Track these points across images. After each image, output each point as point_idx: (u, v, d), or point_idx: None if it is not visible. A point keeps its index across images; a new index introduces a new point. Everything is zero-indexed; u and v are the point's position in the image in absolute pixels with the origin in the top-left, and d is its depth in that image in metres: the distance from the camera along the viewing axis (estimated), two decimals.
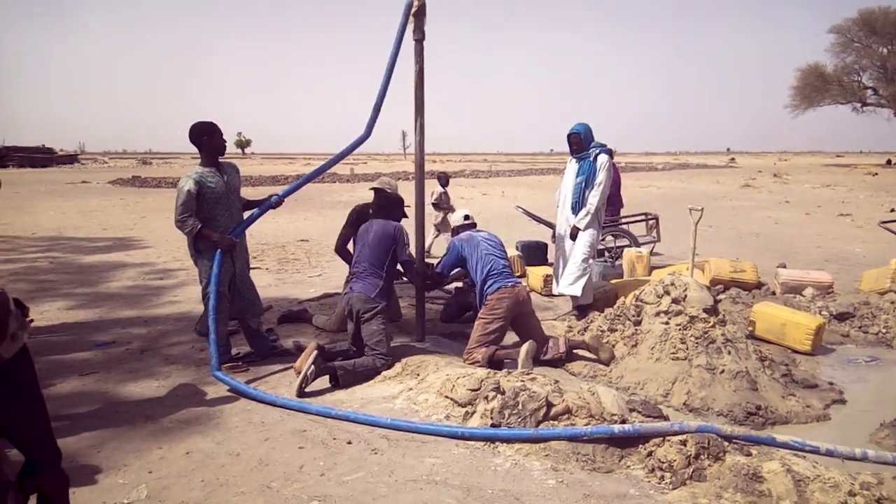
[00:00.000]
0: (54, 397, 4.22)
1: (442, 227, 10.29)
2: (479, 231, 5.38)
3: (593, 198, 5.98)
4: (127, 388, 4.43)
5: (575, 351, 5.07)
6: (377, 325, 4.70)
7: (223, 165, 4.76)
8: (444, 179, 10.91)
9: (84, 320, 6.16)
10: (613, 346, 4.97)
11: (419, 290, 5.51)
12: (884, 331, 5.75)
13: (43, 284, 7.82)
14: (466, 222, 5.49)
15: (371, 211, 5.83)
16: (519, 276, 7.66)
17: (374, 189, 5.86)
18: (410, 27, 5.15)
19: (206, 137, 4.62)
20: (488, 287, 5.01)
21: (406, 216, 5.39)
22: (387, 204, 5.33)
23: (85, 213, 16.62)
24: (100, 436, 3.66)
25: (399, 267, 5.18)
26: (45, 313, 6.35)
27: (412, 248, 5.41)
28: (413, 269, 5.23)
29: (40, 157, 48.51)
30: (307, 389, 4.29)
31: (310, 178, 5.76)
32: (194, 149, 4.70)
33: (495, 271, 5.03)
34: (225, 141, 4.79)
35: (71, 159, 55.37)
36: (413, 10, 5.11)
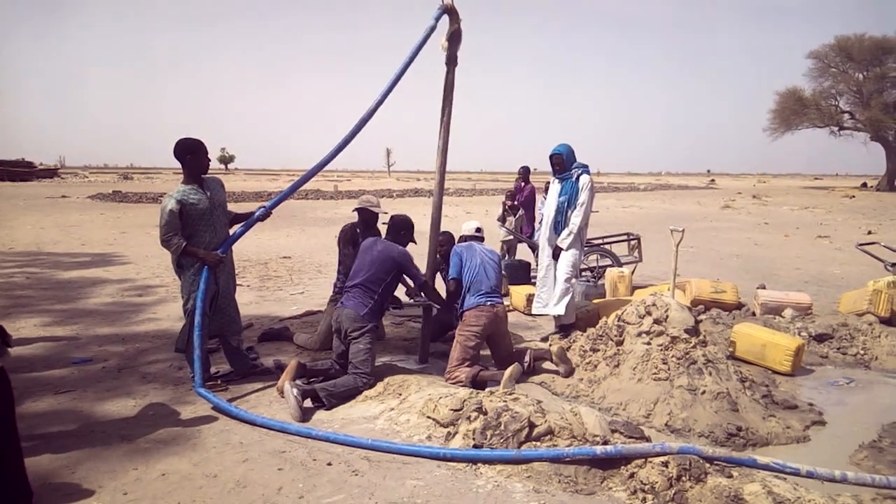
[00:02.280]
0: (29, 415, 4.13)
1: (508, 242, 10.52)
2: (482, 245, 5.48)
3: (576, 217, 6.02)
4: (103, 406, 4.36)
5: (537, 362, 5.21)
6: (364, 345, 4.65)
7: (207, 181, 4.71)
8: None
9: (61, 337, 6.07)
10: (596, 365, 4.98)
11: (426, 311, 5.45)
12: (862, 352, 5.81)
13: (19, 300, 7.69)
14: (477, 234, 5.60)
15: (358, 230, 5.80)
16: (504, 295, 7.67)
17: (357, 209, 5.86)
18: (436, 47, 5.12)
19: (190, 156, 4.57)
20: (467, 300, 5.09)
21: (415, 241, 5.38)
22: (394, 226, 5.28)
23: (64, 227, 16.42)
24: (74, 456, 3.59)
25: (417, 288, 5.19)
26: (21, 329, 6.24)
27: (424, 268, 5.42)
28: (431, 289, 5.20)
29: (19, 171, 47.96)
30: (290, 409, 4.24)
31: (297, 186, 5.49)
32: (177, 164, 4.66)
33: (476, 286, 5.11)
34: (209, 160, 4.75)
35: (51, 173, 54.80)
36: (447, 34, 5.09)
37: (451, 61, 5.23)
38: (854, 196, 40.71)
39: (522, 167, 11.07)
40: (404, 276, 5.12)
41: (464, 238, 5.63)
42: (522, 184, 10.95)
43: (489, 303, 5.07)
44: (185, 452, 3.67)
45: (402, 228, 5.26)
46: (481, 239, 5.63)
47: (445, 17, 5.07)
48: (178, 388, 4.70)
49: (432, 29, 5.03)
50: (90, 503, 3.09)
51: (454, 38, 5.15)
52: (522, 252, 10.77)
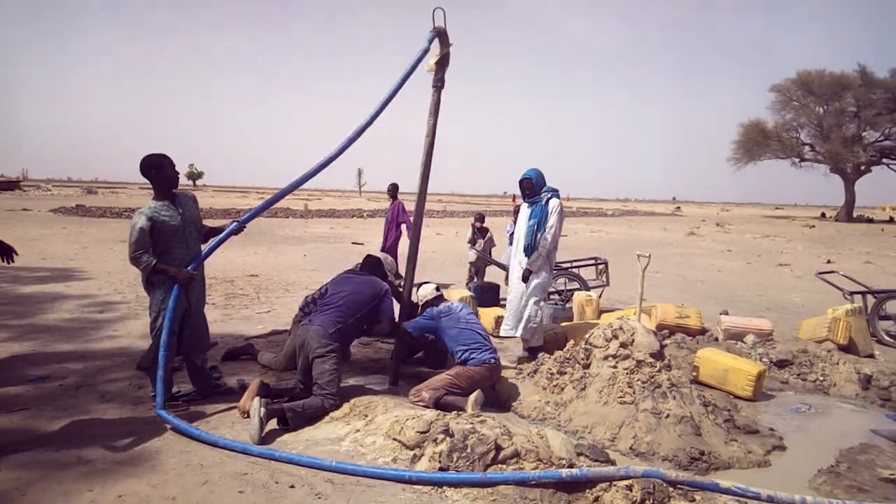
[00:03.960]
0: None
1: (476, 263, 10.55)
2: (453, 303, 5.43)
3: (545, 240, 6.07)
4: (59, 425, 4.23)
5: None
6: (330, 365, 4.60)
7: (179, 197, 4.65)
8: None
9: (17, 353, 5.89)
10: (563, 388, 5.00)
11: (398, 336, 5.40)
12: (821, 378, 5.94)
13: None
14: (437, 293, 5.57)
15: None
16: None
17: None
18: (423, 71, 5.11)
19: (155, 171, 4.50)
20: (472, 357, 5.02)
21: (387, 277, 5.50)
22: (370, 265, 5.49)
23: (24, 241, 15.97)
24: (26, 476, 3.47)
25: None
26: None
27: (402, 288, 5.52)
28: (398, 328, 5.26)
29: None
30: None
31: (272, 202, 5.38)
32: (143, 178, 4.59)
33: (478, 344, 5.07)
34: (177, 173, 4.67)
35: (12, 186, 53.49)
36: (436, 58, 5.08)
37: (439, 84, 5.24)
38: (814, 226, 41.83)
39: (391, 184, 11.36)
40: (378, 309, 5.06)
41: (428, 304, 5.50)
42: (392, 200, 11.17)
43: (493, 359, 5.08)
44: (144, 474, 3.57)
45: (377, 268, 5.49)
46: (441, 296, 5.61)
47: (435, 40, 5.09)
48: (138, 408, 4.59)
49: (425, 51, 5.01)
50: None
51: (442, 62, 5.17)
52: (491, 274, 10.81)
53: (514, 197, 6.63)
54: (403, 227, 10.66)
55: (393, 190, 11.20)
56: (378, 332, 5.37)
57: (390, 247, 10.85)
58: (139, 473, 3.57)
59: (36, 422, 4.27)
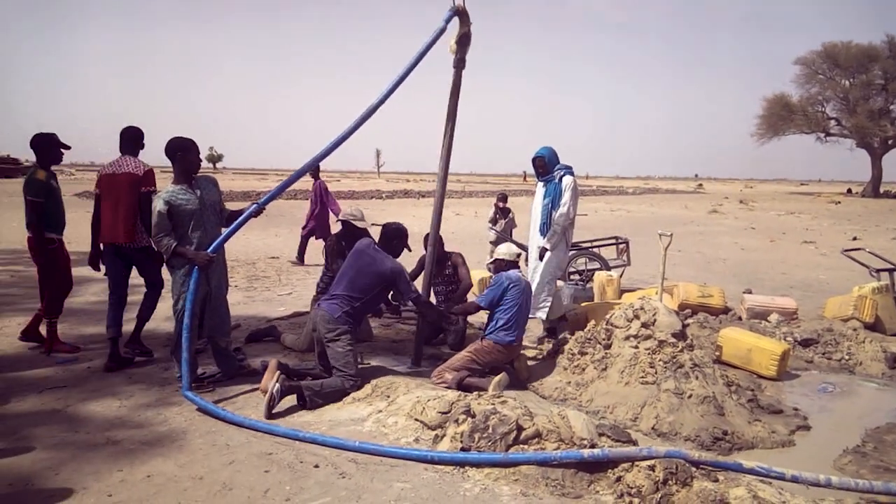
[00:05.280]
0: (11, 416, 4.10)
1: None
2: (527, 281, 5.38)
3: (559, 218, 6.02)
4: (88, 407, 4.32)
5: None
6: (343, 347, 4.62)
7: (198, 180, 4.68)
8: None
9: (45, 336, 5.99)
10: (584, 368, 4.99)
11: (421, 316, 5.39)
12: (847, 357, 5.87)
13: (4, 298, 7.61)
14: (514, 259, 5.46)
15: (343, 243, 5.79)
16: None
17: (341, 221, 5.87)
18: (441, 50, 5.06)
19: (181, 154, 4.56)
20: (504, 333, 5.02)
21: (409, 249, 5.34)
22: (386, 235, 5.19)
23: None
24: (58, 457, 3.55)
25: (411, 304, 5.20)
26: (4, 328, 6.18)
27: (420, 278, 5.51)
28: (424, 305, 5.14)
29: (5, 168, 47.38)
30: (274, 410, 4.22)
31: (290, 182, 5.30)
32: (166, 163, 4.64)
33: (517, 324, 5.07)
34: (200, 160, 4.74)
35: None
36: (456, 37, 5.00)
37: (460, 64, 5.17)
38: (839, 202, 41.09)
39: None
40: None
41: (504, 263, 5.42)
42: (314, 181, 11.10)
43: (516, 343, 5.09)
44: (171, 454, 3.64)
45: (394, 238, 5.18)
46: (516, 264, 5.49)
47: (455, 19, 5.02)
48: (164, 389, 4.67)
49: (442, 31, 4.91)
50: None
51: (463, 41, 5.10)
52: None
53: (525, 176, 6.53)
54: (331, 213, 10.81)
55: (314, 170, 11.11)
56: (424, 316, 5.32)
57: (321, 227, 10.89)
58: (167, 453, 3.64)
59: (65, 403, 4.36)
